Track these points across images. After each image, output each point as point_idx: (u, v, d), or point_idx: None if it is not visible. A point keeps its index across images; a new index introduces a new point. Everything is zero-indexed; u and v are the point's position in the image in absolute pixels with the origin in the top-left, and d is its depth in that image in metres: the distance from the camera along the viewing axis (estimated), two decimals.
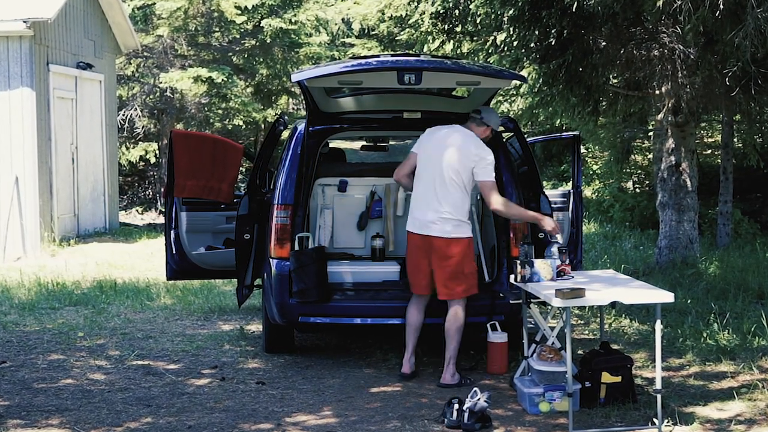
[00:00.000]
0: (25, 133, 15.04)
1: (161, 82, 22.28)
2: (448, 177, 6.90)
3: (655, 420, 5.82)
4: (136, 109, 23.03)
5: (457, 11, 12.52)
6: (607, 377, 6.23)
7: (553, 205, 8.30)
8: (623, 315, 9.20)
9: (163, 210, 9.38)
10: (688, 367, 7.37)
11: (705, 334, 8.19)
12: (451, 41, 14.73)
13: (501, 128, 7.50)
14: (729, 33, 7.56)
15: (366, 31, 28.84)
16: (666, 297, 5.89)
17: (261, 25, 23.21)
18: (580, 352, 7.87)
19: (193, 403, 6.45)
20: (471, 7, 12.33)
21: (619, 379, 6.26)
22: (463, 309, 6.95)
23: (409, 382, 6.98)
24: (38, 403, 6.44)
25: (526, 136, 8.91)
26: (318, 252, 7.29)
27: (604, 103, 11.82)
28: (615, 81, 11.61)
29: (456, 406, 5.90)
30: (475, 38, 14.67)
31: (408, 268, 7.16)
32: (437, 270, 6.95)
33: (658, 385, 5.82)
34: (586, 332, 8.81)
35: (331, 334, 8.60)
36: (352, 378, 7.13)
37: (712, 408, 6.26)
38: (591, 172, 20.36)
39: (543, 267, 6.41)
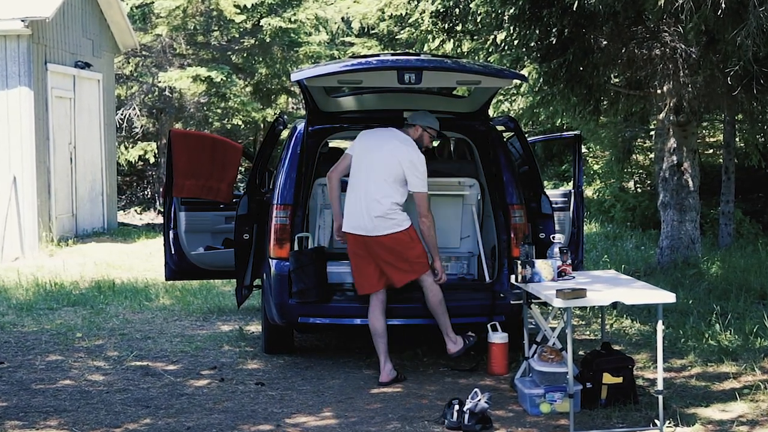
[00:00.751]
0: (23, 133, 15.04)
1: (160, 82, 22.27)
2: (380, 176, 7.01)
3: (656, 421, 5.82)
4: (134, 108, 23.03)
5: (457, 10, 12.51)
6: (608, 378, 6.22)
7: (554, 205, 8.30)
8: (625, 315, 9.20)
9: (162, 210, 9.39)
10: (690, 368, 7.37)
11: (707, 335, 8.19)
12: (452, 40, 14.71)
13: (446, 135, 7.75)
14: (731, 32, 7.55)
15: (366, 30, 28.84)
16: (667, 297, 5.88)
17: (260, 24, 23.20)
18: (581, 352, 7.87)
19: (192, 404, 6.45)
20: (471, 5, 12.32)
21: (620, 380, 6.25)
22: (434, 283, 7.04)
23: (409, 383, 6.97)
24: (36, 404, 6.44)
25: (526, 135, 8.92)
26: (317, 252, 7.29)
27: (605, 103, 11.82)
28: (616, 80, 11.61)
29: (456, 407, 5.90)
30: (475, 37, 14.67)
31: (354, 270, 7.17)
32: (387, 265, 7.03)
33: (660, 386, 5.82)
34: (587, 333, 8.81)
35: (331, 334, 8.60)
36: (352, 379, 7.13)
37: (714, 409, 6.26)
38: (592, 172, 20.35)
39: (544, 267, 6.41)
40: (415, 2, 16.29)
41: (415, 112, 7.34)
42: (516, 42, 11.00)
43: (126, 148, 23.56)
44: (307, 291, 7.13)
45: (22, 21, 14.66)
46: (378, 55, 7.60)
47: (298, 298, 7.14)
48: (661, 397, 5.78)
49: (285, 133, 8.77)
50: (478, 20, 12.63)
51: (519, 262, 6.47)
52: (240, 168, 13.68)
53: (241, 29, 23.29)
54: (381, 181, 6.98)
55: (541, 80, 11.44)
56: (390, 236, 6.96)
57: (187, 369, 7.45)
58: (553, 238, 6.89)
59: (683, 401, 6.43)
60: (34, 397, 6.61)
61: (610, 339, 8.33)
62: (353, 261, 7.12)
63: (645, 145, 19.76)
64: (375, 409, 6.31)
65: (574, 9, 9.15)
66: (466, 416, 5.82)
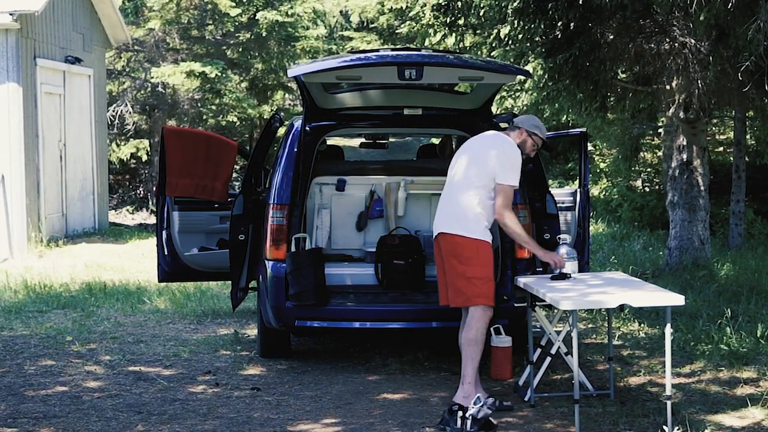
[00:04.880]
0: (11, 130, 15.04)
1: (153, 77, 22.29)
2: (465, 173, 6.54)
3: (665, 427, 5.82)
4: (126, 104, 23.03)
5: (459, 3, 12.53)
6: None
7: (561, 205, 8.30)
8: (632, 319, 9.20)
9: (155, 209, 9.39)
10: (700, 372, 7.37)
11: (717, 338, 8.19)
12: (454, 35, 14.73)
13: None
14: (742, 26, 7.56)
15: (365, 23, 28.87)
16: (676, 300, 5.88)
17: (256, 17, 23.23)
18: (589, 357, 7.88)
19: (185, 410, 6.45)
20: None
21: None
22: (478, 319, 6.38)
23: (410, 388, 6.97)
24: (25, 410, 6.44)
25: None
26: (315, 253, 7.29)
27: (612, 99, 11.83)
28: (623, 76, 11.62)
29: (459, 413, 5.90)
30: (478, 31, 14.68)
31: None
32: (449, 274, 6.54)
33: (668, 391, 5.82)
34: (593, 337, 8.81)
35: (329, 338, 8.60)
36: (351, 384, 7.13)
37: (725, 415, 6.26)
38: (598, 170, 20.37)
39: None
40: None
41: (523, 116, 6.86)
42: (520, 36, 11.02)
43: (118, 145, 23.57)
44: (304, 293, 7.13)
45: (11, 15, 14.67)
46: (378, 50, 7.60)
47: (295, 300, 7.14)
48: (669, 403, 5.78)
49: (281, 131, 8.78)
50: (481, 14, 12.64)
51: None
52: (235, 166, 13.68)
53: (237, 23, 23.31)
54: (465, 178, 6.49)
55: (546, 76, 11.45)
56: (455, 237, 6.41)
57: (180, 374, 7.45)
58: (559, 238, 6.89)
59: (693, 407, 6.43)
60: (23, 403, 6.62)
61: (618, 343, 8.35)
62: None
63: (653, 142, 19.78)
64: (375, 415, 6.31)
65: (580, 2, 9.17)
66: (469, 422, 5.83)
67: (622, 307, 5.88)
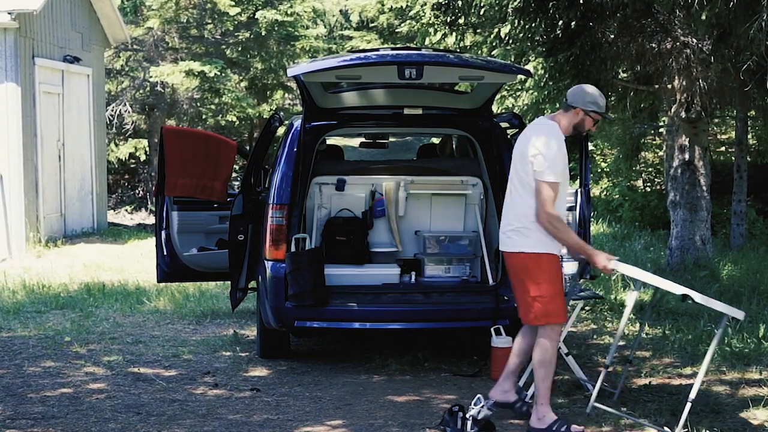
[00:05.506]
0: (9, 130, 15.04)
1: (151, 76, 22.29)
2: (515, 180, 6.08)
3: (666, 429, 5.82)
4: (125, 104, 23.04)
5: (459, 2, 12.52)
6: None
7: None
8: (635, 320, 9.20)
9: (154, 209, 9.39)
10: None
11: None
12: (454, 34, 14.75)
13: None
14: (743, 25, 7.56)
15: (365, 23, 28.87)
16: (736, 313, 5.76)
17: (255, 16, 23.24)
18: (597, 359, 7.87)
19: (184, 411, 6.45)
20: None
21: None
22: (547, 339, 5.95)
23: (410, 389, 6.97)
24: (23, 411, 6.43)
25: None
26: (315, 254, 7.29)
27: (612, 98, 11.83)
28: (624, 75, 11.62)
29: (459, 414, 5.90)
30: (478, 30, 14.69)
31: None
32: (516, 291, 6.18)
33: (693, 395, 5.76)
34: (596, 338, 8.80)
35: (329, 339, 8.60)
36: (351, 384, 7.13)
37: (728, 416, 6.26)
38: (599, 170, 20.37)
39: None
40: None
41: (574, 90, 6.16)
42: (521, 35, 11.03)
43: (116, 145, 23.57)
44: (303, 294, 7.13)
45: (9, 14, 14.66)
46: (378, 50, 7.60)
47: (295, 301, 7.14)
48: (688, 404, 5.75)
49: (281, 130, 8.78)
50: (482, 13, 12.65)
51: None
52: (234, 166, 13.69)
53: (236, 22, 23.32)
54: (516, 184, 6.03)
55: (547, 75, 11.46)
56: (514, 255, 5.99)
57: (179, 374, 7.45)
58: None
59: (696, 408, 6.41)
60: (21, 404, 6.61)
61: (623, 344, 8.34)
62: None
63: (654, 142, 19.79)
64: (374, 416, 6.31)
65: (581, 1, 9.18)
66: (469, 423, 5.82)
67: (684, 297, 5.71)
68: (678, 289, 5.72)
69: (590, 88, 6.15)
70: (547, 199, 5.79)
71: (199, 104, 23.51)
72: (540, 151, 5.82)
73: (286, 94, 26.71)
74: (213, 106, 23.79)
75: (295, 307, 7.17)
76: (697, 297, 5.72)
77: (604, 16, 9.97)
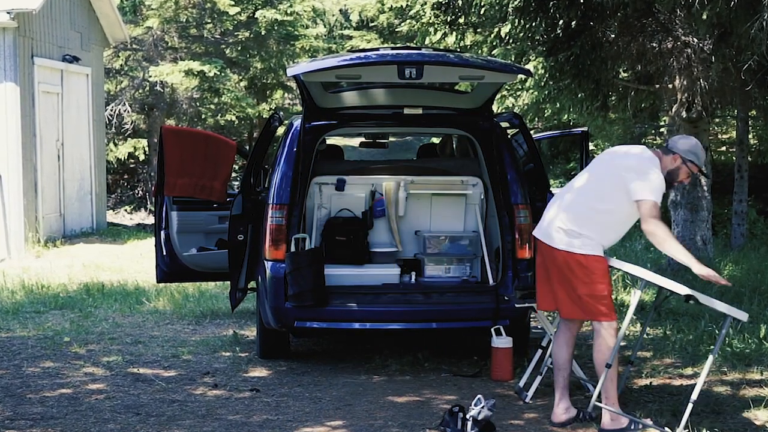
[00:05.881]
0: (8, 130, 15.04)
1: (151, 76, 22.29)
2: (587, 186, 6.13)
3: (667, 429, 5.82)
4: (124, 103, 23.04)
5: (460, 1, 12.52)
6: None
7: None
8: (636, 320, 9.20)
9: (153, 209, 9.39)
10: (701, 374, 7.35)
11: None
12: (454, 33, 14.75)
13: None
14: (744, 24, 7.56)
15: (365, 22, 28.87)
16: (740, 314, 5.73)
17: (255, 16, 23.24)
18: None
19: (184, 412, 6.44)
20: None
21: None
22: (607, 337, 5.98)
23: (410, 390, 6.97)
24: (22, 412, 6.43)
25: (532, 132, 8.92)
26: (314, 254, 7.29)
27: (613, 98, 11.84)
28: (625, 75, 11.62)
29: (459, 414, 5.90)
30: (478, 30, 14.70)
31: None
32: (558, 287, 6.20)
33: (695, 395, 5.74)
34: None
35: (329, 339, 8.60)
36: (351, 385, 7.13)
37: (729, 417, 6.25)
38: None
39: None
40: None
41: (678, 138, 6.13)
42: (521, 35, 11.03)
43: (116, 145, 23.58)
44: (303, 294, 7.13)
45: (8, 13, 14.66)
46: (377, 49, 7.60)
47: (294, 301, 7.14)
48: (690, 405, 5.75)
49: (281, 130, 8.78)
50: (482, 12, 12.65)
51: None
52: (234, 166, 13.69)
53: (236, 21, 23.33)
54: (585, 190, 6.07)
55: (547, 75, 11.46)
56: (563, 254, 6.00)
57: (179, 375, 7.45)
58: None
59: (697, 408, 6.40)
60: (20, 404, 6.61)
61: (625, 344, 8.33)
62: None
63: (655, 142, 19.78)
64: (374, 416, 6.31)
65: (582, 0, 9.17)
66: (469, 424, 5.82)
67: (689, 297, 5.70)
68: (682, 290, 5.72)
69: (693, 140, 6.11)
70: (651, 213, 5.82)
71: (198, 104, 23.51)
72: (641, 172, 5.85)
73: (286, 94, 26.71)
74: (212, 106, 23.79)
75: (295, 308, 7.17)
76: (701, 298, 5.70)
77: (605, 15, 9.97)
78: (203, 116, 23.99)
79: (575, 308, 6.00)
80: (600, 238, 5.95)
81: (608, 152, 6.24)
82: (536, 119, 20.11)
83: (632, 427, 5.87)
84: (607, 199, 5.94)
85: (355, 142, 15.09)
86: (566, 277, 5.98)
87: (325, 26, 28.06)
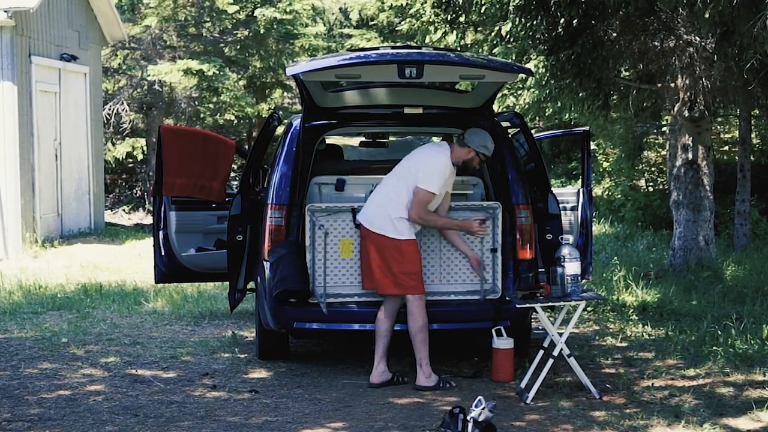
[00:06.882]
0: (5, 129, 15.04)
1: (149, 75, 22.29)
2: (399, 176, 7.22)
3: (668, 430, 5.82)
4: (122, 103, 23.03)
5: (460, 0, 12.52)
6: None
7: (563, 205, 8.29)
8: (638, 321, 9.20)
9: (152, 209, 9.38)
10: (705, 375, 7.36)
11: (722, 340, 8.19)
12: (454, 32, 14.74)
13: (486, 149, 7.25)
14: (746, 23, 7.56)
15: (365, 21, 28.88)
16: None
17: (254, 14, 23.23)
18: (600, 360, 7.88)
19: (182, 413, 6.45)
20: None
21: None
22: (418, 307, 7.03)
23: (410, 391, 6.97)
24: (20, 413, 6.43)
25: (532, 131, 8.92)
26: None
27: (615, 97, 11.83)
28: (626, 74, 11.62)
29: (460, 416, 5.90)
30: (479, 29, 14.69)
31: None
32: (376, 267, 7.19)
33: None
34: (599, 340, 8.81)
35: (328, 340, 8.60)
36: (350, 386, 7.13)
37: (731, 418, 6.26)
38: (601, 170, 20.37)
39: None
40: None
41: (472, 131, 7.28)
42: (522, 33, 11.01)
43: (114, 144, 23.56)
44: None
45: (5, 12, 14.66)
46: (377, 48, 7.60)
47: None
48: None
49: (280, 130, 8.78)
50: (482, 11, 12.64)
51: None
52: (233, 166, 13.70)
53: (235, 20, 23.31)
54: (397, 180, 7.16)
55: (548, 74, 11.45)
56: (379, 236, 7.03)
57: (177, 376, 7.45)
58: (562, 239, 6.88)
59: (699, 409, 6.42)
60: (18, 406, 6.61)
61: (627, 345, 8.34)
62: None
63: (657, 141, 19.80)
64: (374, 418, 6.31)
65: None
66: (470, 425, 5.82)
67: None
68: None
69: (485, 135, 7.22)
70: (419, 205, 7.04)
71: (197, 103, 23.50)
72: (430, 166, 7.15)
73: (285, 93, 26.71)
74: (211, 105, 23.78)
75: (295, 308, 7.17)
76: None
77: (606, 14, 9.96)
78: (202, 115, 23.98)
79: (391, 286, 7.01)
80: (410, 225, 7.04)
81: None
82: (537, 118, 20.12)
83: (441, 385, 6.95)
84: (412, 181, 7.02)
85: (355, 141, 15.09)
86: (382, 257, 7.03)
87: (324, 25, 28.06)
